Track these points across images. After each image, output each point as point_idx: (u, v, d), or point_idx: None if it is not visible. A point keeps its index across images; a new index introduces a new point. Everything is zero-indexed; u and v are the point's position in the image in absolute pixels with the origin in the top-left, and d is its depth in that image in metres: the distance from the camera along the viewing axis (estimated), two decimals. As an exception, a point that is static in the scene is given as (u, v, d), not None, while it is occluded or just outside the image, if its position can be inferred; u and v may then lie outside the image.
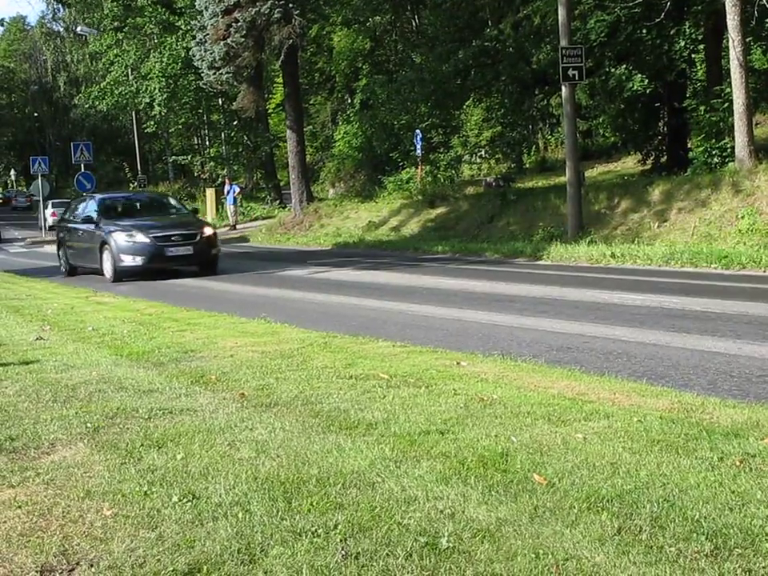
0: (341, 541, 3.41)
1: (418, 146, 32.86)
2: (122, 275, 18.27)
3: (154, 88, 42.92)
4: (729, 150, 20.28)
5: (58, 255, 21.76)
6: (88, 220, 19.55)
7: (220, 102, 47.65)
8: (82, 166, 35.62)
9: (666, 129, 27.04)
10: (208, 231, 19.39)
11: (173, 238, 18.38)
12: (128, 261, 18.20)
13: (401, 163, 36.21)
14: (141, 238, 18.22)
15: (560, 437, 4.67)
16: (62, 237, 21.58)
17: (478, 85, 29.93)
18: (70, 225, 21.16)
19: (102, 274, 18.73)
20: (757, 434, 4.60)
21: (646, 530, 3.40)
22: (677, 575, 3.03)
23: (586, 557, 3.19)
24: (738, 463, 4.13)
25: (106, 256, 18.51)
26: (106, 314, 11.72)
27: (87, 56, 71.28)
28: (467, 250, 21.97)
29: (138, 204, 21.88)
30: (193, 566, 3.25)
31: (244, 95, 33.89)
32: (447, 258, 20.91)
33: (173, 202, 23.51)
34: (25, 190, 79.22)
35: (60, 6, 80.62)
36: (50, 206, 45.69)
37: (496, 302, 11.95)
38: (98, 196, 22.34)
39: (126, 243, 18.20)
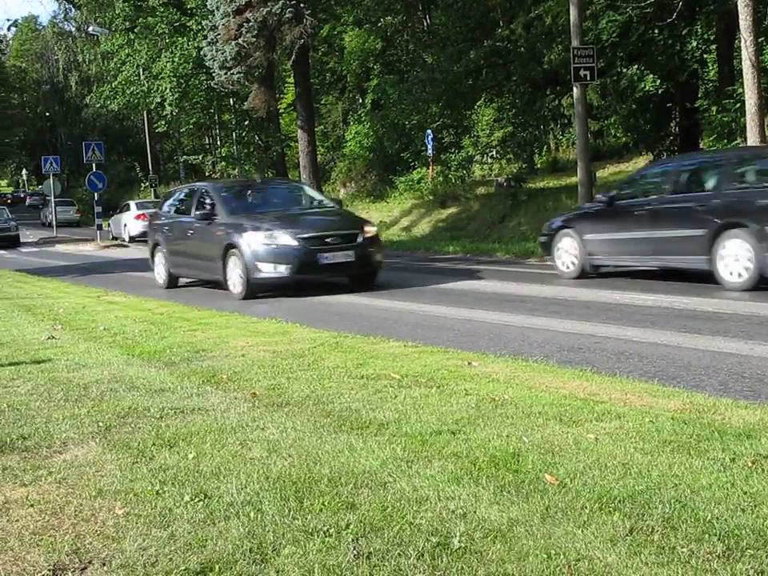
0: (352, 540, 3.42)
1: (429, 146, 32.87)
2: (258, 289, 13.92)
3: (166, 88, 42.99)
4: (741, 151, 20.23)
5: (151, 261, 17.22)
6: (205, 216, 14.91)
7: (231, 102, 47.71)
8: (94, 165, 35.76)
9: (677, 129, 26.96)
10: (371, 230, 14.78)
11: (327, 240, 13.86)
12: (267, 271, 13.66)
13: (412, 163, 36.23)
14: (285, 239, 13.66)
15: (571, 437, 4.66)
16: (158, 238, 16.84)
17: (489, 85, 29.93)
18: (171, 221, 16.72)
19: (226, 288, 14.40)
20: (769, 435, 4.59)
21: (658, 531, 3.39)
22: (689, 576, 3.03)
23: (597, 557, 3.18)
24: (750, 464, 4.12)
25: (234, 263, 14.00)
26: (117, 314, 11.76)
27: (99, 56, 71.46)
28: (478, 250, 21.94)
29: (266, 194, 16.95)
30: (205, 565, 3.26)
31: (255, 95, 33.90)
32: (458, 258, 20.88)
33: (311, 191, 18.28)
34: (37, 189, 79.77)
35: (71, 6, 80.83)
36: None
37: (507, 302, 11.94)
38: (211, 184, 18.15)
39: (264, 247, 13.62)
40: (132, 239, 34.95)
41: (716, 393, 5.85)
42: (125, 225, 36.46)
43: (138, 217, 35.18)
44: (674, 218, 12.69)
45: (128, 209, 37.37)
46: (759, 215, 11.48)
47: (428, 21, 41.37)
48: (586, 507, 3.65)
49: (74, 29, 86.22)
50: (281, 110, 49.11)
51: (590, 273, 14.11)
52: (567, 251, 14.40)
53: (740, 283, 11.61)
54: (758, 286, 11.45)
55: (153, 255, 17.08)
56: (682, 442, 4.49)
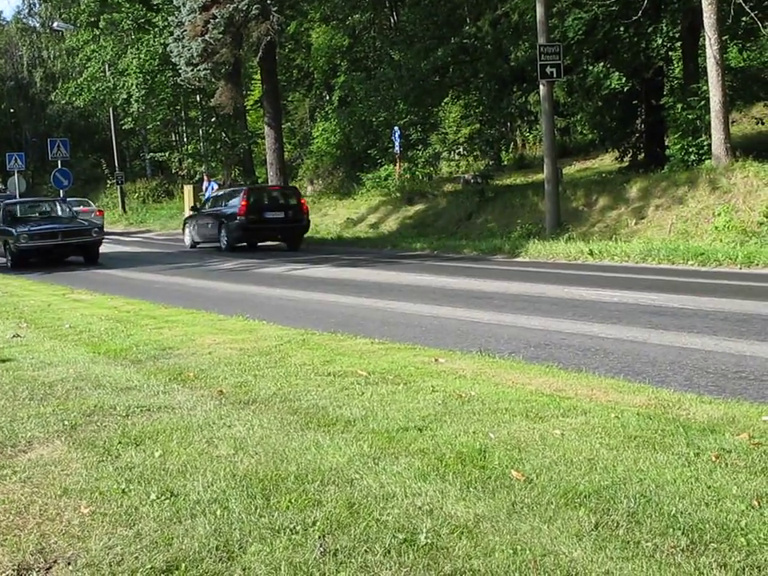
0: (319, 537, 3.41)
1: (397, 143, 32.86)
2: None
3: (132, 84, 42.65)
4: (705, 148, 20.39)
5: None
6: None
7: (198, 99, 47.45)
8: (59, 162, 35.42)
9: (643, 126, 27.13)
10: None
11: None
12: None
13: (379, 160, 36.23)
14: None
15: (538, 433, 4.69)
16: None
17: (456, 82, 30.02)
18: None
19: None
20: (732, 430, 4.63)
21: (623, 526, 3.42)
22: (653, 570, 3.05)
23: (563, 552, 3.20)
24: (713, 459, 4.16)
25: None
26: (83, 312, 11.65)
27: (64, 52, 70.81)
28: (445, 247, 21.99)
29: None
30: (171, 564, 3.24)
31: (222, 92, 33.75)
32: (425, 255, 20.92)
33: None
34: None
35: (36, 0, 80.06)
36: None
37: (474, 298, 11.97)
38: None
39: None
40: None
41: (681, 388, 5.90)
42: None
43: None
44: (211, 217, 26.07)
45: None
46: (227, 218, 24.69)
47: (395, 18, 41.33)
48: (551, 503, 3.67)
49: (38, 24, 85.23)
50: (248, 107, 48.91)
51: (194, 245, 27.30)
52: (188, 234, 28.06)
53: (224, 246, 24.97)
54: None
55: None
56: (647, 437, 4.53)
